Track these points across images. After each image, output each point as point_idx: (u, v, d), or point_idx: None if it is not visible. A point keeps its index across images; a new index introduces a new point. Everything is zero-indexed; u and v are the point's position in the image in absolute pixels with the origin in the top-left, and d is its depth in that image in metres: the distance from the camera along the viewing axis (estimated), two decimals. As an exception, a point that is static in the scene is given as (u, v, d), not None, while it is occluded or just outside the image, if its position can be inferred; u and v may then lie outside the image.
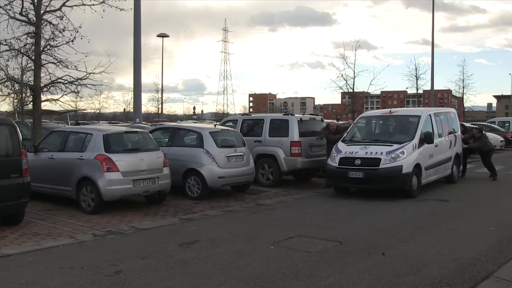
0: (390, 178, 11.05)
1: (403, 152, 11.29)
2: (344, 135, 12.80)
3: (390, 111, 13.94)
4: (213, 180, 11.04)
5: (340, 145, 12.15)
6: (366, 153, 11.43)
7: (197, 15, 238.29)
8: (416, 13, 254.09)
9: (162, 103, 53.81)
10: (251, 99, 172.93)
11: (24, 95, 21.12)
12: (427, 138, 12.02)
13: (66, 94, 14.38)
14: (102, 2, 13.82)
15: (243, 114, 18.99)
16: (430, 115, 13.09)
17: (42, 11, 13.31)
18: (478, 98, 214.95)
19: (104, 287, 5.36)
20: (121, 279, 5.59)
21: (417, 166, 11.55)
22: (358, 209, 10.12)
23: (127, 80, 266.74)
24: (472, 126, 19.63)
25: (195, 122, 27.09)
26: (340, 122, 22.37)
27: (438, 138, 12.97)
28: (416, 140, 11.76)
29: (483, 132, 15.50)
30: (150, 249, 6.87)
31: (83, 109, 41.17)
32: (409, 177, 11.22)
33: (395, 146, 11.47)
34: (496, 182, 14.80)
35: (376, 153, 11.35)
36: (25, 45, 13.53)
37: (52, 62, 13.81)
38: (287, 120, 13.46)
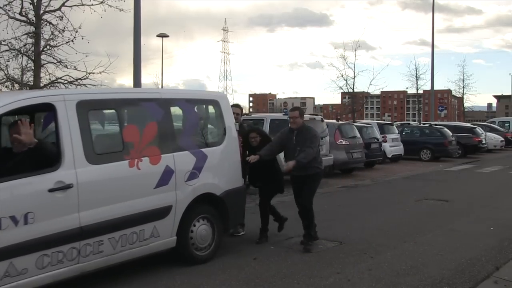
0: None
1: None
2: None
3: None
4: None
5: None
6: None
7: (197, 16, 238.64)
8: (412, 15, 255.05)
9: (162, 103, 53.84)
10: (251, 99, 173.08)
11: (24, 95, 21.09)
12: None
13: (66, 94, 14.38)
14: (101, 2, 13.85)
15: (243, 114, 18.92)
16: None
17: (41, 11, 13.32)
18: (478, 98, 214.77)
19: (104, 287, 5.35)
20: (121, 279, 5.59)
21: None
22: (358, 209, 10.10)
23: (128, 80, 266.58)
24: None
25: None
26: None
27: (73, 168, 4.90)
28: None
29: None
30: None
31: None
32: None
33: None
34: (496, 182, 14.71)
35: None
36: (25, 45, 13.57)
37: (52, 62, 13.85)
38: (285, 119, 13.32)
